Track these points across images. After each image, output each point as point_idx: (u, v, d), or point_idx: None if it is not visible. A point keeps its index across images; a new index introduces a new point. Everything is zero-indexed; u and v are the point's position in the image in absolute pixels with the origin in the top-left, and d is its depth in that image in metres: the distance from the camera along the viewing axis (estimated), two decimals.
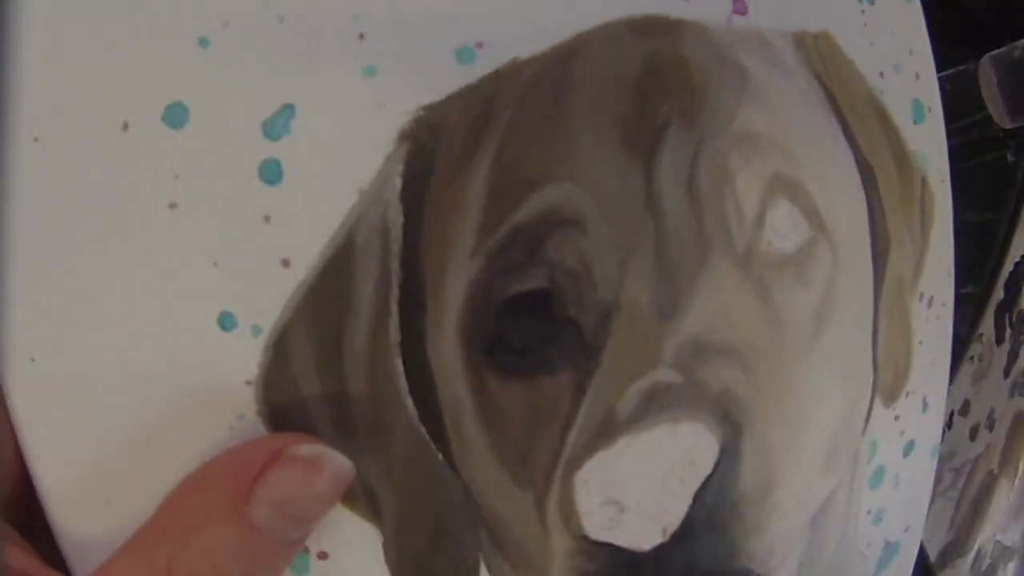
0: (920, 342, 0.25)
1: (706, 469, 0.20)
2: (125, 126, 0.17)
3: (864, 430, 0.24)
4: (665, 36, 0.20)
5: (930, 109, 0.23)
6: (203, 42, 0.17)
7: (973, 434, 0.33)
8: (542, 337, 0.19)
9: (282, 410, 0.18)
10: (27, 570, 0.16)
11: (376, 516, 0.19)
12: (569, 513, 0.20)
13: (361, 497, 0.19)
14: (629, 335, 0.20)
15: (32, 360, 0.17)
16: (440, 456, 0.19)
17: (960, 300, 0.27)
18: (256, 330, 0.18)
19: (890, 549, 0.26)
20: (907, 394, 0.25)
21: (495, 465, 0.20)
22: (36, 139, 0.17)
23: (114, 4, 0.17)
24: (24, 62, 0.17)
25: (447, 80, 0.18)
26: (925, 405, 0.25)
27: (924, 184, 0.23)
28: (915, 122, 0.23)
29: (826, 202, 0.22)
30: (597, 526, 0.20)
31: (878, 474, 0.24)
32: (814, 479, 0.23)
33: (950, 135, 0.26)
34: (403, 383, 0.19)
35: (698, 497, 0.20)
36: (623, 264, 0.20)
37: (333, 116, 0.18)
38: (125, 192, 0.17)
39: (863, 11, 0.23)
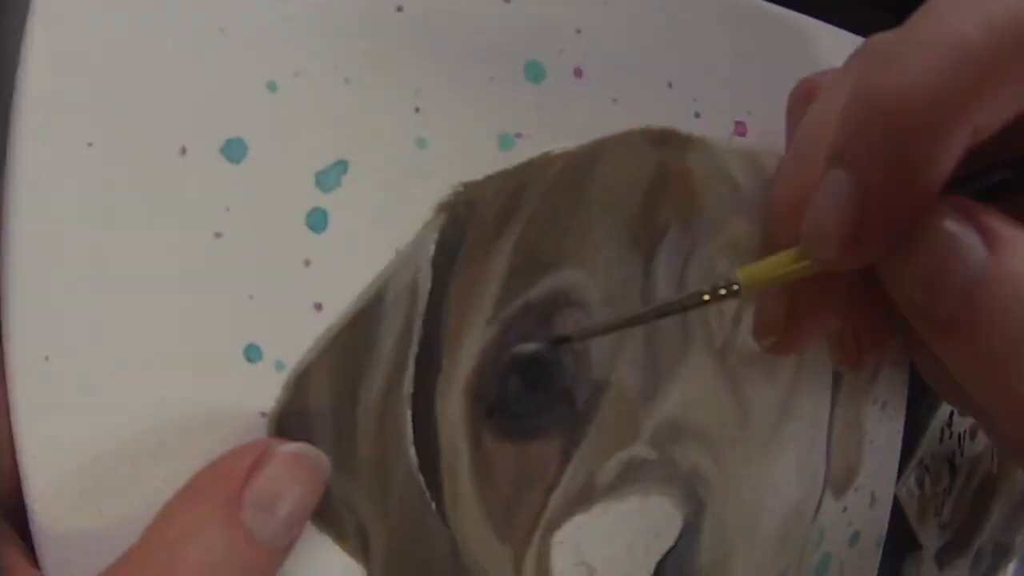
0: (871, 441, 0.28)
1: (669, 541, 0.23)
2: (183, 150, 0.18)
3: (814, 518, 0.27)
4: (675, 148, 0.23)
5: None
6: (272, 86, 0.18)
7: (972, 434, 0.34)
8: (539, 406, 0.21)
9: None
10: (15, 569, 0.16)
11: (364, 556, 0.20)
12: (544, 571, 0.21)
13: (352, 536, 0.20)
14: (615, 411, 0.22)
15: (46, 359, 0.17)
16: (433, 506, 0.21)
17: None
18: (279, 365, 0.19)
19: None
20: (856, 489, 0.28)
21: (483, 519, 0.21)
22: (90, 144, 0.17)
23: (191, 29, 0.18)
24: (71, 64, 0.17)
25: (487, 163, 0.20)
26: (873, 499, 0.29)
27: None
28: None
29: None
30: None
31: (824, 560, 0.27)
32: (765, 560, 0.26)
33: None
34: (409, 432, 0.20)
35: (659, 567, 0.23)
36: (617, 347, 0.22)
37: (382, 178, 0.19)
38: (174, 212, 0.18)
39: None
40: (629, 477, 0.22)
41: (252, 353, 0.19)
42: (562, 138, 0.21)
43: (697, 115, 0.23)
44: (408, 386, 0.20)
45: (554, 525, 0.21)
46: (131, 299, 0.18)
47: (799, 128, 0.18)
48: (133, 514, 0.18)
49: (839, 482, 0.26)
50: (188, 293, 0.18)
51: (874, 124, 0.13)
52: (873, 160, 0.13)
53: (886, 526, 0.28)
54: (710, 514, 0.23)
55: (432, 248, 0.20)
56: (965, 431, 0.33)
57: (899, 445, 0.28)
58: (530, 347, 0.20)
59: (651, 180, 0.22)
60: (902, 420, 0.28)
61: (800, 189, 0.17)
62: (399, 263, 0.19)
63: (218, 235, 0.18)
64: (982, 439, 0.34)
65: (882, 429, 0.28)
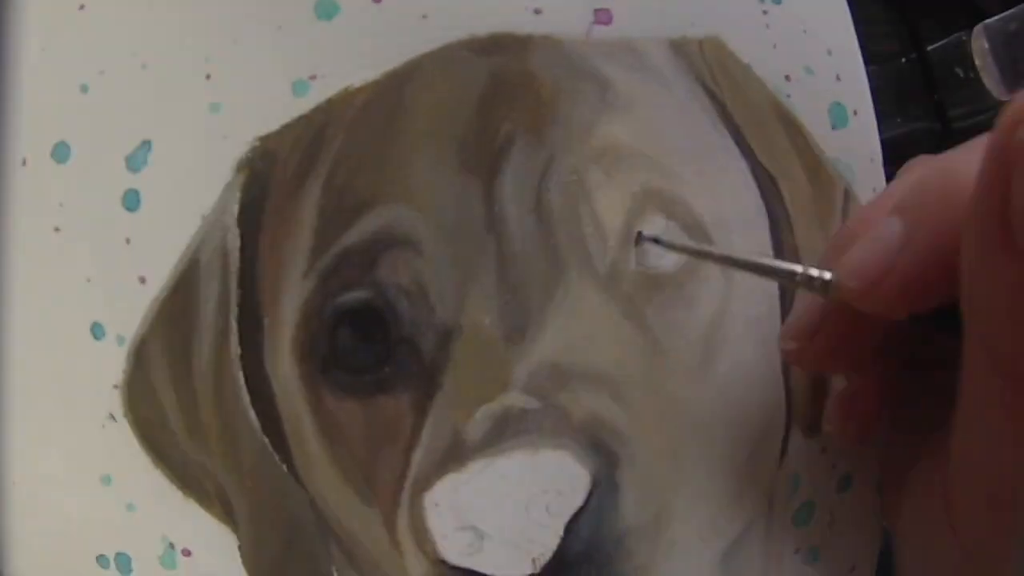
0: None
1: (577, 500, 0.19)
2: (24, 161, 0.20)
3: (781, 463, 0.21)
4: (510, 52, 0.20)
5: (855, 112, 0.21)
6: (84, 88, 0.20)
7: None
8: (377, 357, 0.20)
9: (144, 413, 0.20)
10: None
11: (232, 521, 0.21)
12: (422, 536, 0.20)
13: (216, 501, 0.21)
14: (472, 357, 0.20)
15: None
16: (284, 467, 0.20)
17: None
18: (120, 339, 0.20)
19: None
20: None
21: (339, 481, 0.20)
22: None
23: (13, 55, 0.20)
24: None
25: (283, 112, 0.20)
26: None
27: (848, 195, 0.21)
28: (834, 127, 0.21)
29: (713, 215, 0.20)
30: (455, 551, 0.20)
31: (804, 511, 0.21)
32: (719, 515, 0.21)
33: (953, 120, 0.23)
34: (245, 395, 0.20)
35: (571, 529, 0.19)
36: (462, 286, 0.20)
37: (183, 149, 0.20)
38: (21, 215, 0.20)
39: (765, 11, 0.21)
40: (508, 431, 0.19)
41: (97, 331, 0.20)
42: (364, 70, 0.19)
43: (537, 11, 0.20)
44: (235, 348, 0.20)
45: (422, 486, 0.19)
46: None
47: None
48: (16, 491, 0.20)
49: (809, 418, 0.20)
50: (39, 283, 0.20)
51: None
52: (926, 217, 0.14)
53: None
54: (628, 466, 0.19)
55: (236, 208, 0.20)
56: None
57: None
58: (354, 295, 0.19)
59: (483, 93, 0.19)
60: None
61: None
62: (206, 228, 0.20)
63: (57, 229, 0.20)
64: None
65: None
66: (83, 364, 0.20)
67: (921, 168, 0.15)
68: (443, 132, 0.20)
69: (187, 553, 0.21)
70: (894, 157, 0.21)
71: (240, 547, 0.21)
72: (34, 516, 0.21)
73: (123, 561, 0.21)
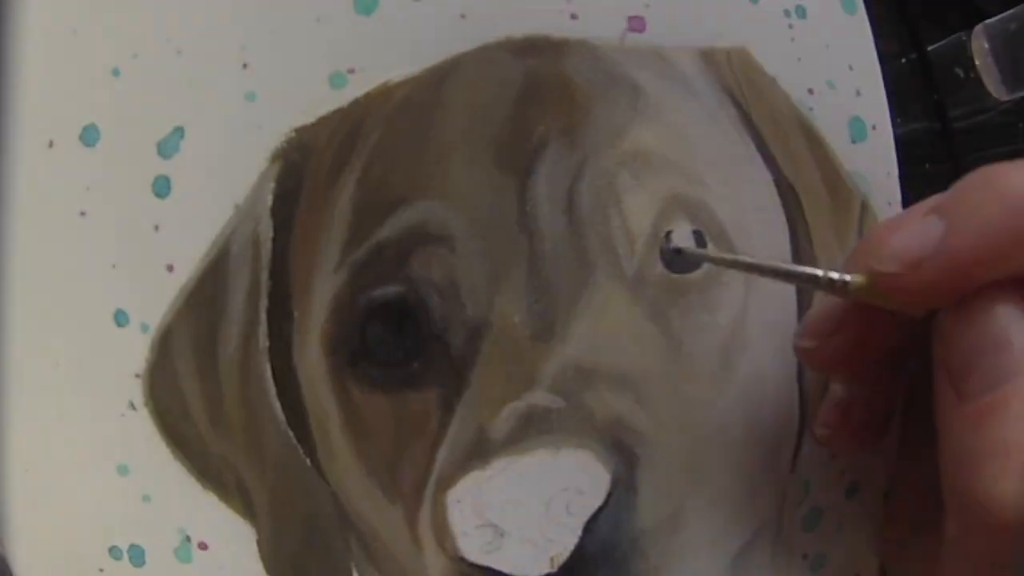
0: None
1: (597, 500, 0.20)
2: (51, 144, 0.20)
3: (793, 468, 0.22)
4: (546, 55, 0.20)
5: (874, 127, 0.21)
6: (115, 72, 0.20)
7: None
8: (406, 352, 0.20)
9: (166, 403, 0.20)
10: None
11: (251, 515, 0.21)
12: (443, 532, 0.20)
13: (236, 493, 0.21)
14: (500, 355, 0.20)
15: None
16: (308, 461, 0.20)
17: None
18: (144, 327, 0.20)
19: None
20: None
21: (363, 476, 0.20)
22: None
23: (46, 32, 0.20)
24: None
25: (320, 104, 0.20)
26: None
27: (864, 208, 0.21)
28: (853, 141, 0.21)
29: (736, 224, 0.21)
30: (475, 548, 0.20)
31: (813, 516, 0.22)
32: (732, 518, 0.21)
33: (953, 120, 0.24)
34: (271, 387, 0.20)
35: (589, 529, 0.20)
36: (494, 283, 0.20)
37: (217, 137, 0.20)
38: (45, 198, 0.20)
39: (791, 25, 0.22)
40: (532, 429, 0.19)
41: (120, 318, 0.20)
42: (401, 66, 0.20)
43: (573, 16, 0.20)
44: (263, 340, 0.20)
45: (446, 483, 0.19)
46: (15, 282, 0.20)
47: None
48: (37, 475, 0.20)
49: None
50: (61, 268, 0.20)
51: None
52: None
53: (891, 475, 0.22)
54: (647, 467, 0.19)
55: (270, 198, 0.20)
56: None
57: None
58: (386, 289, 0.19)
59: (519, 95, 0.20)
60: None
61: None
62: (239, 217, 0.20)
63: (82, 213, 0.20)
64: None
65: None
66: (105, 351, 0.20)
67: (964, 179, 0.16)
68: (479, 131, 0.20)
69: (203, 546, 0.20)
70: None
71: (258, 541, 0.20)
72: (46, 506, 0.21)
73: (136, 553, 0.21)
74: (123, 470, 0.20)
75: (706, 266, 0.21)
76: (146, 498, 0.20)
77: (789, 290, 0.21)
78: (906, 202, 0.22)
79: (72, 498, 0.21)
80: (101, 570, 0.21)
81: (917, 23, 0.25)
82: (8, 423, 0.21)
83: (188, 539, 0.20)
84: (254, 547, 0.21)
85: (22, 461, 0.21)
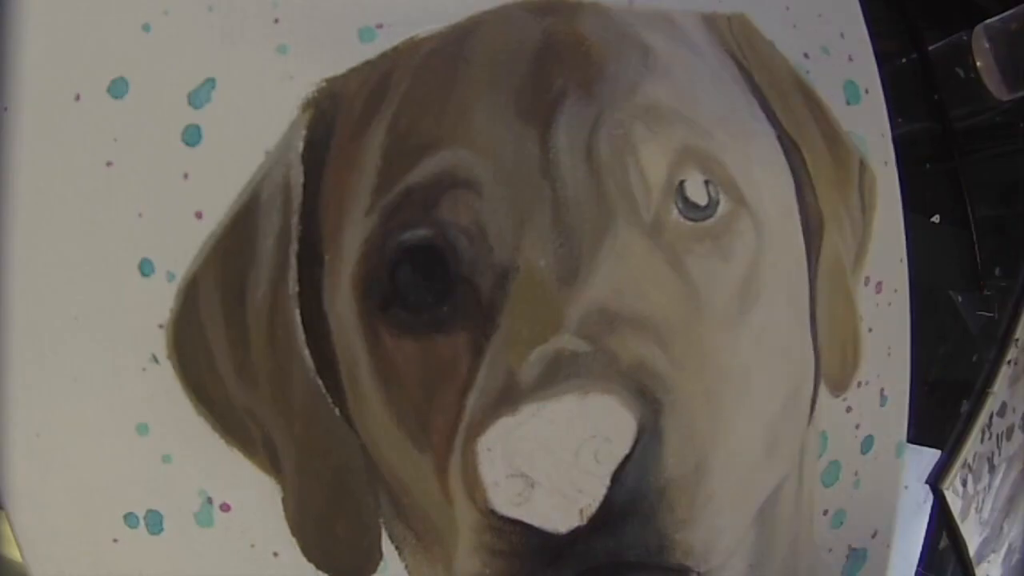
0: (870, 329, 0.23)
1: (624, 447, 0.19)
2: (77, 97, 0.20)
3: (810, 419, 0.22)
4: (562, 15, 0.21)
5: (867, 91, 0.23)
6: (146, 27, 0.20)
7: (1009, 434, 0.31)
8: (436, 295, 0.20)
9: (191, 354, 0.20)
10: None
11: (277, 470, 0.20)
12: (473, 482, 0.19)
13: (261, 449, 0.20)
14: (527, 298, 0.20)
15: None
16: (337, 411, 0.20)
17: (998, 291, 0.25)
18: (170, 276, 0.20)
19: (857, 556, 0.23)
20: (859, 384, 0.23)
21: (392, 425, 0.20)
22: (6, 109, 0.20)
23: None
24: None
25: (350, 57, 0.20)
26: (883, 398, 0.24)
27: (863, 166, 0.23)
28: (848, 103, 0.23)
29: (745, 176, 0.22)
30: (505, 500, 0.20)
31: (832, 470, 0.22)
32: (753, 470, 0.22)
33: (954, 120, 0.25)
34: (300, 334, 0.20)
35: (617, 478, 0.19)
36: (519, 227, 0.20)
37: (248, 87, 0.20)
38: (72, 150, 0.20)
39: None
40: (560, 374, 0.19)
41: (145, 267, 0.20)
42: (428, 22, 0.21)
43: None
44: (293, 286, 0.20)
45: (477, 430, 0.19)
46: (40, 233, 0.20)
47: None
48: (60, 431, 0.19)
49: (836, 375, 0.22)
50: (87, 218, 0.20)
51: None
52: None
53: (904, 431, 0.23)
54: (670, 413, 0.19)
55: (300, 145, 0.20)
56: (1003, 431, 0.31)
57: (907, 332, 0.23)
58: (416, 233, 0.20)
59: (538, 50, 0.21)
60: (906, 310, 0.23)
61: None
62: (269, 163, 0.20)
63: (109, 163, 0.20)
64: (1017, 438, 0.32)
65: (881, 316, 0.23)
66: (128, 302, 0.20)
67: None
68: (501, 83, 0.21)
69: (226, 508, 0.20)
70: (895, 156, 0.23)
71: (284, 499, 0.20)
72: (58, 474, 0.20)
73: (154, 519, 0.20)
74: (142, 429, 0.20)
75: (719, 214, 0.22)
76: (166, 458, 0.20)
77: (800, 240, 0.22)
78: (906, 199, 0.23)
79: (87, 463, 0.20)
80: (115, 540, 0.20)
81: (917, 23, 0.26)
82: (19, 388, 0.20)
83: (210, 500, 0.20)
84: (278, 507, 0.20)
85: (33, 425, 0.20)
